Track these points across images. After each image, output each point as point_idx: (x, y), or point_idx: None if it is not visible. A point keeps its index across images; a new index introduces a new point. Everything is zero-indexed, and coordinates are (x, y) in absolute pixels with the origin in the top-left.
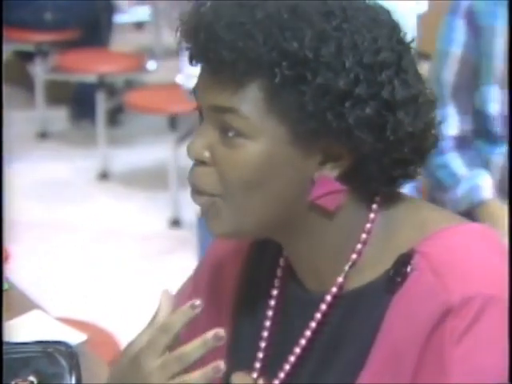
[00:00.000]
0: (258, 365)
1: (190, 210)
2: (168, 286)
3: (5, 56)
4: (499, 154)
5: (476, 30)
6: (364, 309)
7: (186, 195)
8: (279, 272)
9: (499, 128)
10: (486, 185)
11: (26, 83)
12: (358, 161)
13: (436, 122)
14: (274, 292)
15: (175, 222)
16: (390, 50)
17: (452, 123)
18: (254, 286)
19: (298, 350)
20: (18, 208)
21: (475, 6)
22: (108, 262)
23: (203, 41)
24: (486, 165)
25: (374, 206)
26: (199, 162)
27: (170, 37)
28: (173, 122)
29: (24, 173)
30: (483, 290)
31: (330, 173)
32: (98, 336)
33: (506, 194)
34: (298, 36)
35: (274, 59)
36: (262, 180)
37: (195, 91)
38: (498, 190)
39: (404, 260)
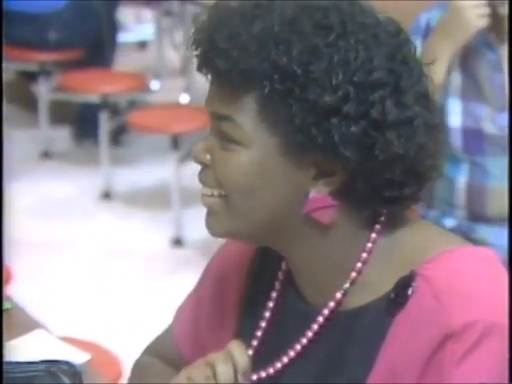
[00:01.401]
0: None
1: (193, 230)
2: (170, 306)
3: (8, 76)
4: (463, 175)
5: None
6: (363, 329)
7: (188, 214)
8: (280, 275)
9: (460, 142)
10: None
11: (30, 103)
12: (350, 178)
13: (437, 146)
14: (274, 294)
15: (178, 242)
16: (386, 70)
17: None
18: (257, 293)
19: (292, 354)
20: (20, 227)
21: (432, 22)
22: (110, 282)
23: (204, 49)
24: (450, 188)
25: (377, 227)
26: (202, 164)
27: (173, 56)
28: (175, 141)
29: (27, 192)
30: (485, 316)
31: (324, 188)
32: (101, 356)
33: (473, 218)
34: (289, 50)
35: (264, 71)
36: (254, 187)
37: (205, 102)
38: (465, 216)
39: (405, 282)
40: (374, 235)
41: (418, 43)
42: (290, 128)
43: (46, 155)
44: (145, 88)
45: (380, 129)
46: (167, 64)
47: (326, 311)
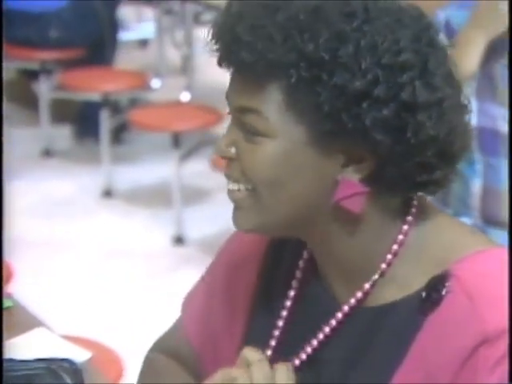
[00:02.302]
0: (269, 352)
1: (194, 228)
2: (172, 304)
3: (9, 74)
4: (478, 177)
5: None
6: (392, 326)
7: (189, 212)
8: (301, 263)
9: (476, 142)
10: None
11: (31, 101)
12: (380, 164)
13: (465, 127)
14: (294, 283)
15: (179, 240)
16: (413, 52)
17: None
18: (273, 283)
19: (315, 343)
20: (21, 226)
21: (451, 20)
22: (112, 280)
23: (227, 43)
24: (465, 189)
25: (409, 218)
26: (227, 159)
27: (174, 55)
28: (176, 139)
29: (28, 190)
30: None
31: (353, 175)
32: (103, 354)
33: (488, 221)
34: (315, 37)
35: (291, 60)
36: (282, 178)
37: (226, 95)
38: (480, 218)
39: (438, 282)
40: (405, 227)
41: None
42: (318, 116)
43: (47, 153)
44: (146, 86)
45: (411, 111)
46: (168, 62)
47: (352, 300)
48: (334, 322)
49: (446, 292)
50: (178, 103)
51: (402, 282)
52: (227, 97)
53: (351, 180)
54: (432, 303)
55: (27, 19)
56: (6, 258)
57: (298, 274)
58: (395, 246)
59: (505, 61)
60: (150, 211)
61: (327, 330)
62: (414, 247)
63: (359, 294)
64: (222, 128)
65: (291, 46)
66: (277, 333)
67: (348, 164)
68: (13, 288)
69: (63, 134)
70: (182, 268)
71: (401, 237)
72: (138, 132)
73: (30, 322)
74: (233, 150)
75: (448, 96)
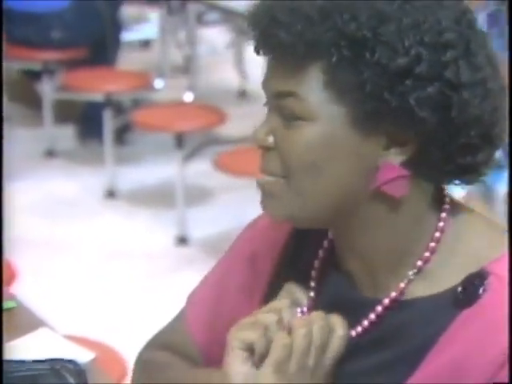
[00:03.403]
0: None
1: (197, 228)
2: (175, 304)
3: (12, 75)
4: (502, 183)
5: None
6: (424, 317)
7: (193, 213)
8: (321, 253)
9: (503, 148)
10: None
11: (34, 102)
12: (423, 146)
13: (505, 110)
14: (313, 273)
15: (182, 240)
16: (455, 32)
17: None
18: (291, 271)
19: (353, 334)
20: (25, 226)
21: None
22: (115, 280)
23: (264, 26)
24: (489, 196)
25: (443, 215)
26: (264, 148)
27: (176, 55)
28: (180, 139)
29: (31, 191)
30: None
31: (395, 158)
32: (106, 354)
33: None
34: (355, 17)
35: (331, 40)
36: (321, 163)
37: (263, 84)
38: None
39: (475, 279)
40: (441, 224)
41: None
42: (360, 95)
43: (51, 154)
44: (149, 86)
45: (456, 90)
46: (171, 62)
47: (386, 300)
48: (365, 322)
49: (484, 290)
50: (181, 103)
51: (435, 278)
52: (263, 85)
53: (392, 163)
54: (469, 299)
55: (30, 19)
56: (10, 258)
57: (317, 263)
58: (432, 244)
59: None
60: (153, 211)
61: (366, 323)
62: (448, 243)
63: (393, 294)
64: (226, 128)
65: (331, 26)
66: None
67: (390, 146)
68: (16, 289)
69: (66, 135)
70: (185, 268)
71: (438, 234)
72: (141, 132)
73: (34, 323)
74: (271, 138)
75: (491, 77)
